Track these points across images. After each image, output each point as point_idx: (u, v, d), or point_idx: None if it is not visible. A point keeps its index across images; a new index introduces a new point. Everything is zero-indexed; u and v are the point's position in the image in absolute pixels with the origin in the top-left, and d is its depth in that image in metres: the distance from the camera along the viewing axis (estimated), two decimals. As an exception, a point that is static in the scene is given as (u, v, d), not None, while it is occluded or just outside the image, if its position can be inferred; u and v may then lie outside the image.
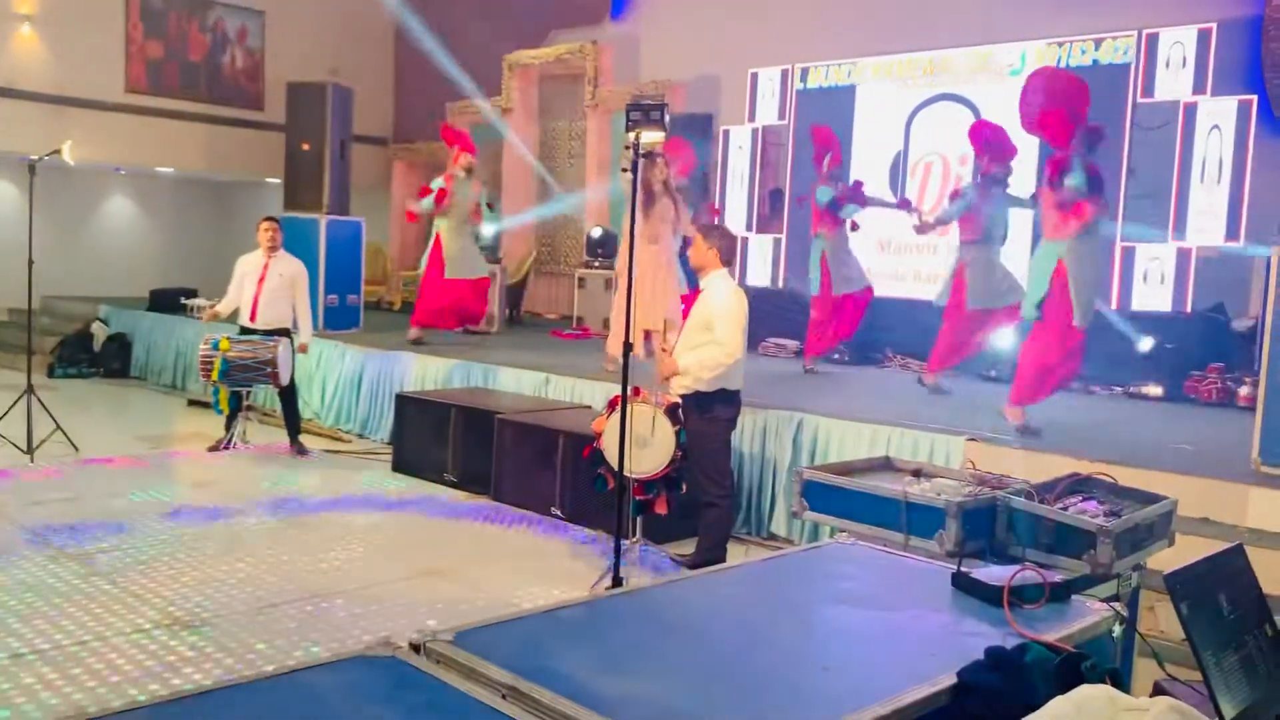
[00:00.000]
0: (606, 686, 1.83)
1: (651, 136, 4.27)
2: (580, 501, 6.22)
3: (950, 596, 2.46)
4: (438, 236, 9.19)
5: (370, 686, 1.81)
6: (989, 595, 2.37)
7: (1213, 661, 1.78)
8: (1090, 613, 2.35)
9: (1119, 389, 7.76)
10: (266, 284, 7.69)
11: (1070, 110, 5.77)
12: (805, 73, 10.38)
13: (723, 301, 5.00)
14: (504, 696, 1.77)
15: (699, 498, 5.27)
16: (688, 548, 5.53)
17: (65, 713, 3.51)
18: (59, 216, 13.45)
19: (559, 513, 6.36)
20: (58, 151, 7.60)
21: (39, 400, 7.49)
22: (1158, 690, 2.24)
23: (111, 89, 12.63)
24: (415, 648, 1.95)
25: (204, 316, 7.95)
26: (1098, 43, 8.62)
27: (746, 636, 2.17)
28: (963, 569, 2.52)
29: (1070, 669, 1.92)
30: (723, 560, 5.18)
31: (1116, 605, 2.46)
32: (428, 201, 9.09)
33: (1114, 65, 8.36)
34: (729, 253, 5.18)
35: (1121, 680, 1.94)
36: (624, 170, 4.37)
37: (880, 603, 2.42)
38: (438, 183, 9.17)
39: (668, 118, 4.31)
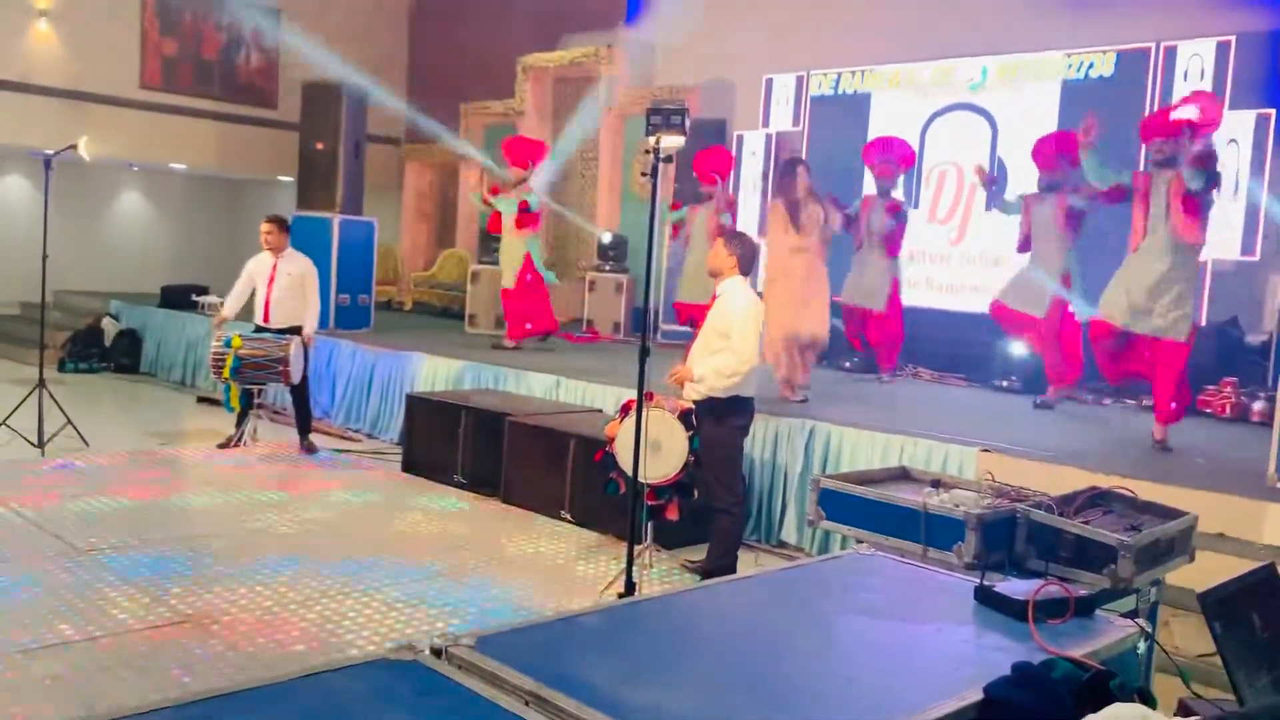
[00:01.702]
0: (630, 695, 1.81)
1: (671, 140, 4.26)
2: (590, 505, 6.20)
3: (973, 610, 2.44)
4: (529, 254, 9.40)
5: (393, 691, 1.80)
6: (1013, 609, 2.34)
7: (1245, 682, 1.76)
8: (1115, 629, 2.32)
9: (1132, 402, 7.72)
10: (276, 284, 7.70)
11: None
12: (836, 79, 10.38)
13: (740, 309, 4.98)
14: (527, 703, 1.76)
15: (710, 504, 5.25)
16: (698, 554, 5.52)
17: (76, 709, 3.50)
18: (72, 211, 13.48)
19: (568, 516, 6.34)
20: (74, 147, 7.61)
21: (50, 394, 7.50)
22: (1183, 709, 2.22)
23: (126, 85, 12.65)
24: (437, 652, 1.93)
25: (214, 325, 7.82)
26: (1067, 56, 8.67)
27: (769, 647, 2.16)
28: (985, 582, 2.50)
29: (1099, 686, 1.90)
30: (733, 567, 5.16)
31: (1140, 621, 2.44)
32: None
33: (1132, 77, 8.34)
34: (748, 261, 5.16)
35: (1151, 698, 1.91)
36: (643, 175, 4.36)
37: (902, 615, 2.40)
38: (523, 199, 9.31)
39: (688, 121, 4.30)
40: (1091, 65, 8.65)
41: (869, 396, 7.64)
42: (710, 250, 5.37)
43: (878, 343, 8.56)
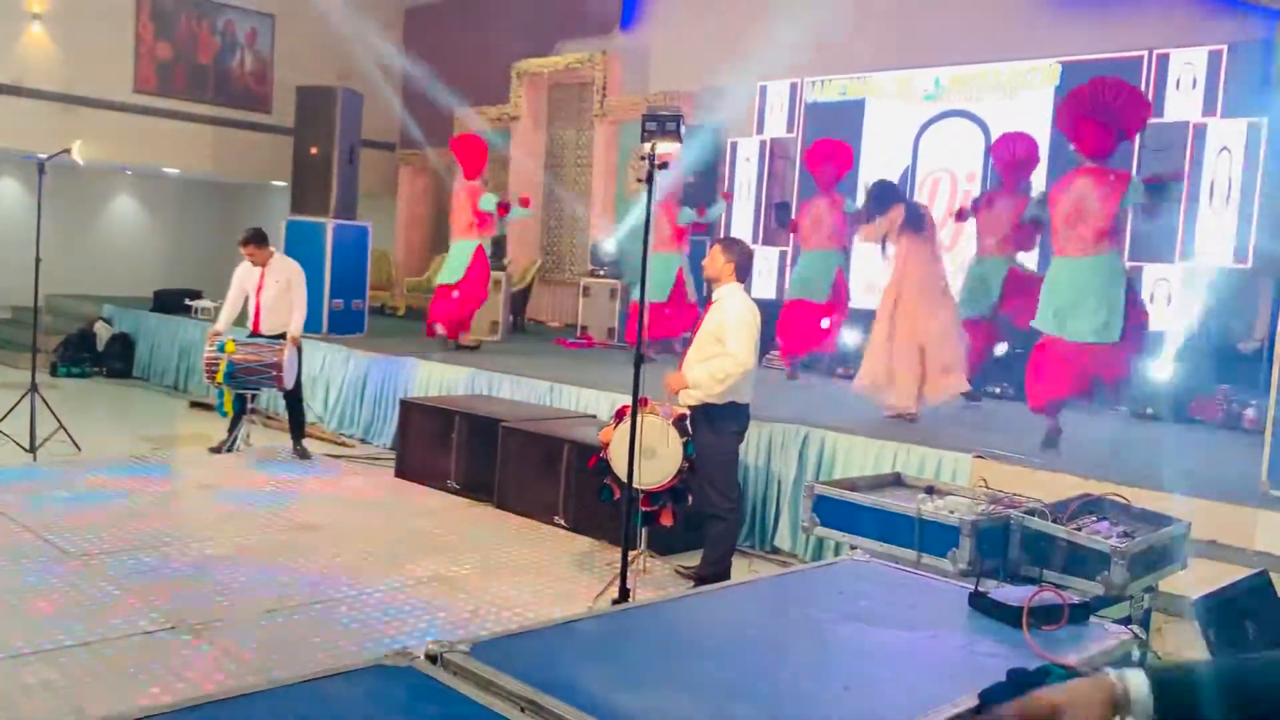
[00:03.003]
0: (626, 702, 1.81)
1: (666, 147, 4.27)
2: (584, 511, 6.20)
3: (967, 616, 2.44)
4: (480, 248, 9.50)
5: (388, 697, 1.79)
6: (1007, 616, 2.35)
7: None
8: (1109, 635, 2.33)
9: (1124, 409, 7.74)
10: (264, 292, 7.69)
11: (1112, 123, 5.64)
12: (819, 84, 10.40)
13: (736, 314, 4.99)
14: (522, 709, 1.75)
15: (705, 510, 5.25)
16: (693, 560, 5.52)
17: (68, 715, 3.48)
18: (64, 215, 13.45)
19: (562, 522, 6.34)
20: (67, 151, 7.59)
21: (42, 398, 7.48)
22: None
23: (120, 89, 12.64)
24: (432, 658, 1.93)
25: (208, 335, 7.74)
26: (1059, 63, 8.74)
27: (765, 653, 2.16)
28: (979, 588, 2.50)
29: (1093, 693, 1.90)
30: (728, 574, 5.16)
31: (1134, 628, 2.45)
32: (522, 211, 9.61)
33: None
34: (744, 268, 5.17)
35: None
36: (639, 181, 4.37)
37: (897, 621, 2.40)
38: (493, 200, 9.43)
39: (683, 128, 4.31)
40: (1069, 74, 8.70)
41: (861, 402, 7.62)
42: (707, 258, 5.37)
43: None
